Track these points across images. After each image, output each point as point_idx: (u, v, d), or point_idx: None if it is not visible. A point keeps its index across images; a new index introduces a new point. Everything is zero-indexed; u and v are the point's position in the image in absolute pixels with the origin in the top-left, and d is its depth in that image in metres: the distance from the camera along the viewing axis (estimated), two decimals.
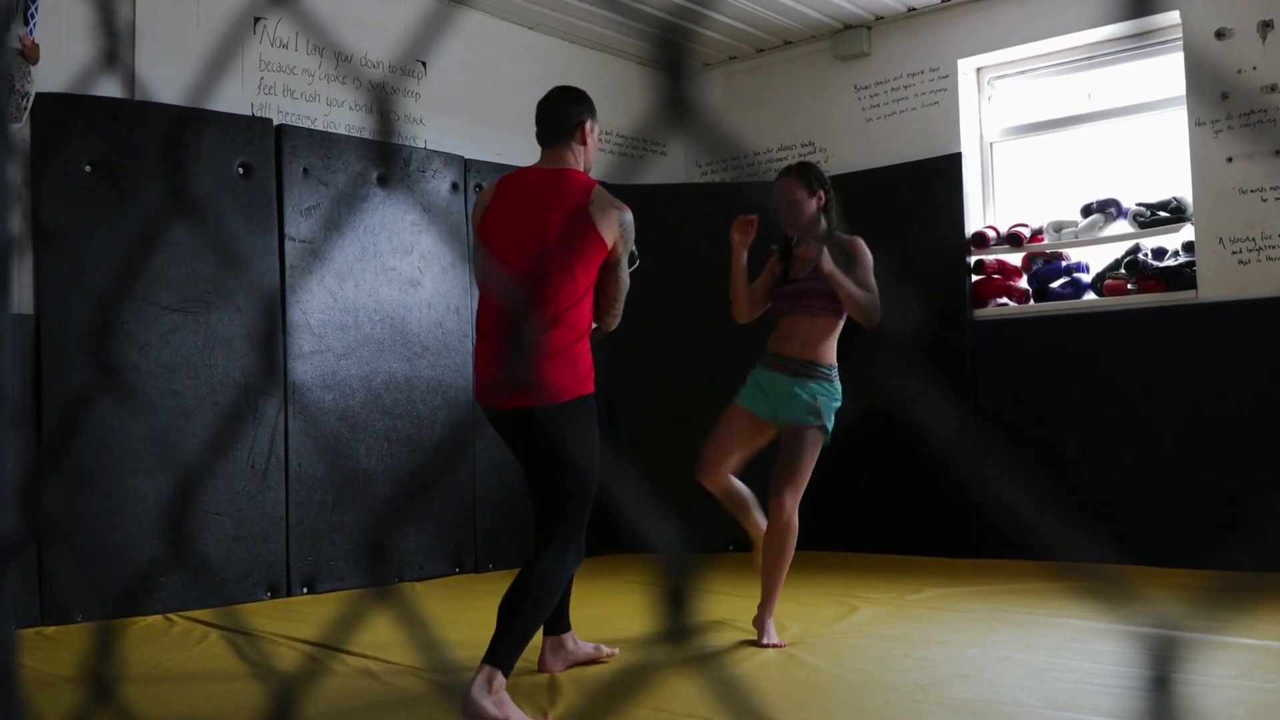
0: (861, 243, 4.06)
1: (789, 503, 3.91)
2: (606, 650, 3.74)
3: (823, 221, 4.07)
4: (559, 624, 3.66)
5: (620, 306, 3.46)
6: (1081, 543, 0.60)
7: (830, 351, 4.04)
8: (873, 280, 3.97)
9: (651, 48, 7.03)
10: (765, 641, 3.89)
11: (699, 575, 0.66)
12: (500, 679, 2.96)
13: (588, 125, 3.49)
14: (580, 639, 3.75)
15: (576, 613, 4.38)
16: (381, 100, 0.86)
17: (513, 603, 3.06)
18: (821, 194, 4.09)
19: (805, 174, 4.11)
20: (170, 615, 4.65)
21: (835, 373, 4.05)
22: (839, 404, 4.04)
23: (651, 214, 6.66)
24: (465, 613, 4.41)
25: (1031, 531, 0.62)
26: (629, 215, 3.36)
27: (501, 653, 2.99)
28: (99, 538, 4.62)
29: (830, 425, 4.00)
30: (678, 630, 0.63)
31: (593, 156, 3.56)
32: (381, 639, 3.67)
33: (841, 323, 4.05)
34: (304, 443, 5.26)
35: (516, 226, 3.32)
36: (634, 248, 3.44)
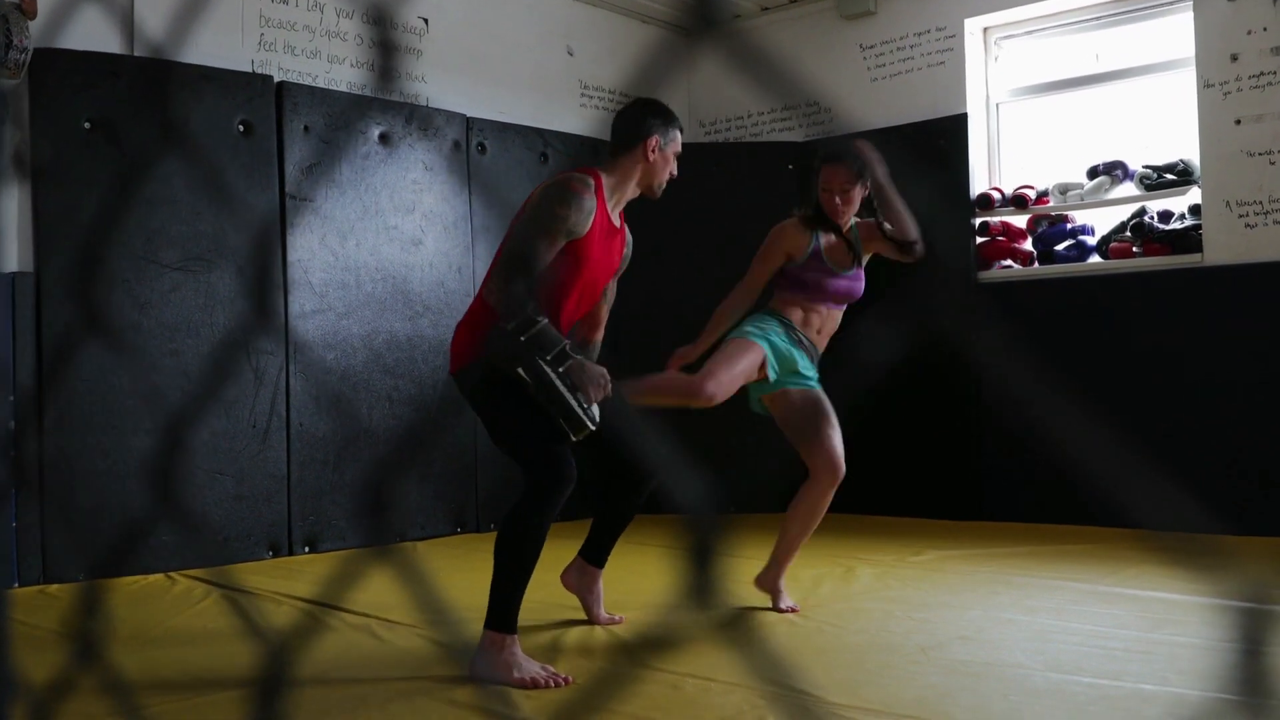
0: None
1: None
2: (605, 618, 3.73)
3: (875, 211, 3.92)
4: (595, 556, 3.72)
5: (499, 265, 3.12)
6: (1174, 507, 0.58)
7: None
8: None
9: (656, 5, 6.97)
10: (772, 598, 3.90)
11: (723, 536, 0.64)
12: (495, 638, 2.99)
13: (653, 141, 3.34)
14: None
15: None
16: (383, 32, 0.84)
17: (494, 559, 3.09)
18: (866, 182, 3.89)
19: (857, 165, 3.85)
20: (171, 574, 4.66)
21: None
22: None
23: None
24: (467, 572, 4.40)
25: (1111, 493, 0.61)
26: (557, 184, 3.21)
27: (491, 614, 3.03)
28: (100, 497, 4.62)
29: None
30: (700, 590, 0.62)
31: (663, 177, 3.40)
32: (382, 598, 3.68)
33: None
34: (305, 402, 5.25)
35: None
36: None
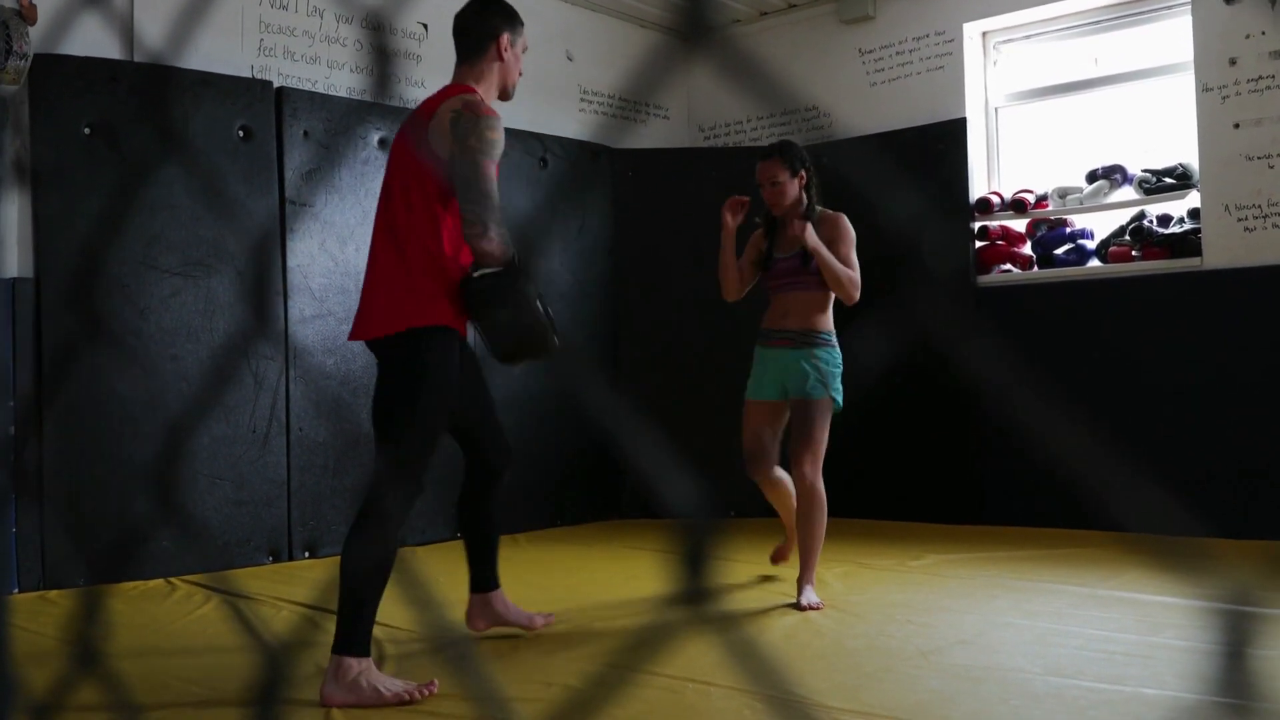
0: (844, 219, 4.13)
1: (809, 472, 4.03)
2: (541, 620, 3.60)
3: (804, 200, 4.16)
4: (484, 582, 3.56)
5: (476, 206, 2.91)
6: (1151, 510, 0.58)
7: (828, 320, 4.14)
8: (854, 257, 4.07)
9: (655, 10, 6.97)
10: (803, 603, 3.94)
11: (717, 540, 0.65)
12: (347, 663, 2.84)
13: (504, 39, 3.20)
14: (528, 606, 3.67)
15: (578, 575, 4.40)
16: (377, 39, 0.84)
17: (342, 578, 2.92)
18: (803, 173, 4.16)
19: (787, 155, 4.16)
20: (171, 579, 4.65)
21: (835, 339, 4.15)
22: (839, 370, 4.14)
23: (653, 177, 6.64)
24: (465, 577, 4.41)
25: (1097, 498, 0.61)
26: (473, 107, 3.01)
27: (338, 637, 2.87)
28: (100, 502, 4.62)
29: (838, 391, 4.09)
30: (693, 594, 0.62)
31: (515, 76, 3.27)
32: (381, 603, 3.67)
33: (834, 294, 4.15)
34: (305, 407, 5.25)
35: (391, 159, 3.18)
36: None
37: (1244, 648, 0.54)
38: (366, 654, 2.88)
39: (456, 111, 3.00)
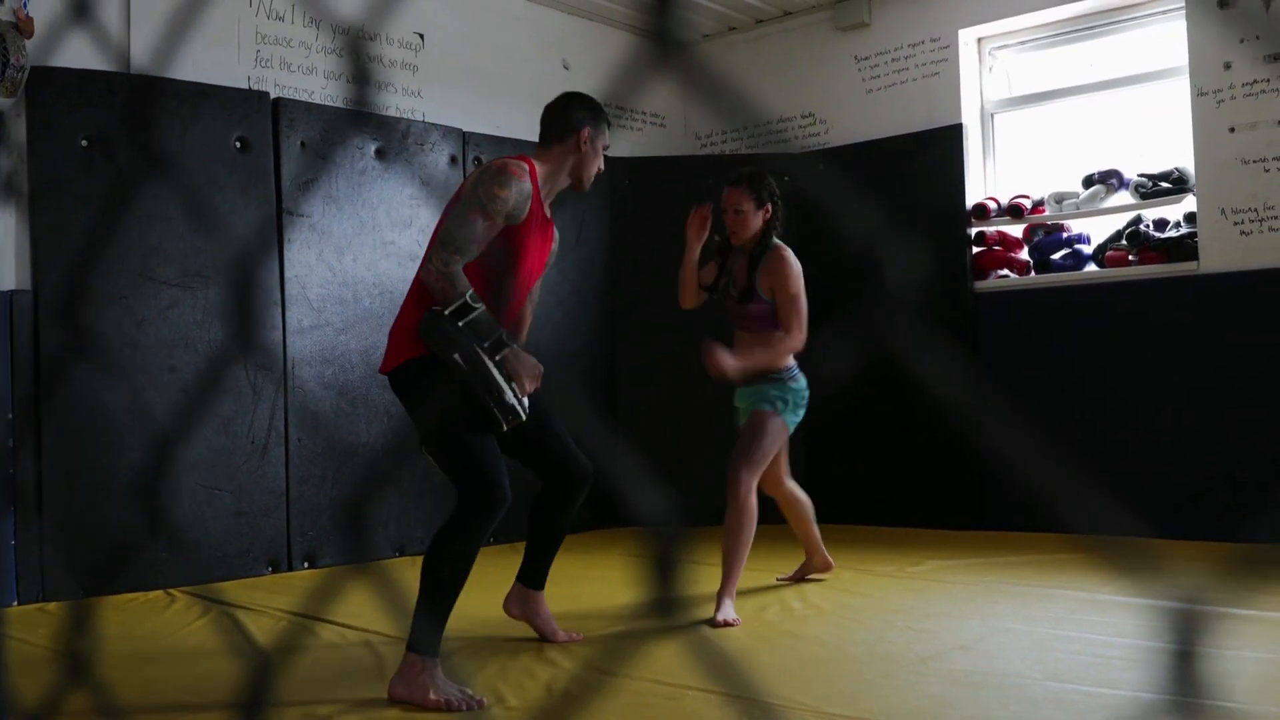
0: (785, 259, 4.05)
1: (744, 478, 3.98)
2: (564, 635, 3.61)
3: (764, 235, 4.10)
4: (531, 577, 3.62)
5: (436, 239, 3.11)
6: (1100, 513, 0.59)
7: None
8: (799, 304, 4.00)
9: (646, 16, 6.99)
10: (718, 618, 3.77)
11: (689, 547, 0.65)
12: (411, 660, 2.92)
13: (586, 133, 3.40)
14: (561, 623, 3.69)
15: (580, 583, 4.39)
16: (355, 50, 0.84)
17: (420, 579, 3.03)
18: (769, 207, 4.10)
19: (755, 185, 4.10)
20: (171, 590, 4.65)
21: (790, 372, 4.12)
22: (801, 397, 4.13)
23: (650, 185, 6.64)
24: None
25: (1047, 501, 0.61)
26: (494, 167, 3.21)
27: (414, 636, 2.95)
28: (99, 514, 4.61)
29: (788, 413, 4.09)
30: (668, 601, 0.62)
31: (593, 170, 3.44)
32: (381, 612, 3.68)
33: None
34: (304, 418, 5.25)
35: None
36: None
37: (1194, 648, 0.54)
38: (433, 654, 2.95)
39: (487, 163, 3.21)
